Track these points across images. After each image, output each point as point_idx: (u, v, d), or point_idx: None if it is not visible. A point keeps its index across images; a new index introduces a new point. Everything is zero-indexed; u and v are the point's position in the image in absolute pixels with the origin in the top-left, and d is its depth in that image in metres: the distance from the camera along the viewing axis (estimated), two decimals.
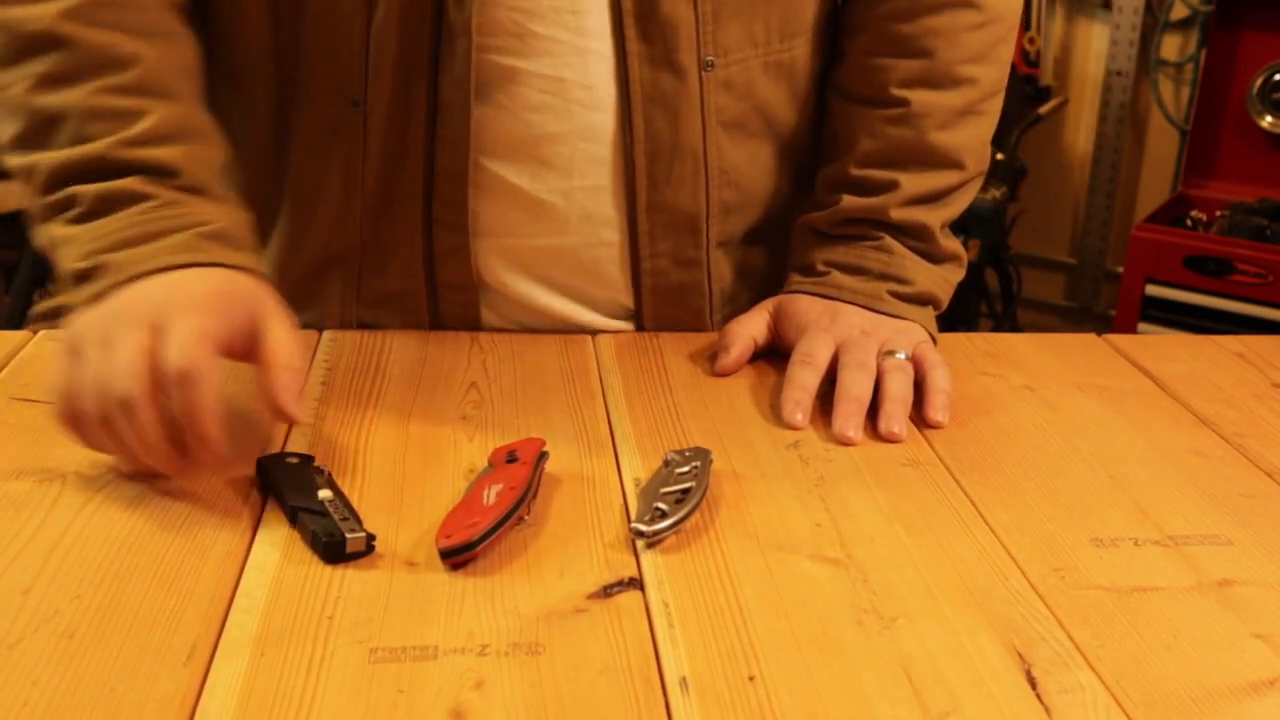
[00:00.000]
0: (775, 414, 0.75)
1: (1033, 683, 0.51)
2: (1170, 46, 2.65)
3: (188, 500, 0.63)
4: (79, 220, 0.69)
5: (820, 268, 0.85)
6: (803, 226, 0.88)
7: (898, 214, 0.84)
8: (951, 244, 0.86)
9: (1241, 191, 2.45)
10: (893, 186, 0.84)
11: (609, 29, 0.78)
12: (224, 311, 0.64)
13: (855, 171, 0.85)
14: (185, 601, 0.54)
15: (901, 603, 0.56)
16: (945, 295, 0.86)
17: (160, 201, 0.69)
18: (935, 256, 0.85)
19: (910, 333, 0.81)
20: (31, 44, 0.70)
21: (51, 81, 0.70)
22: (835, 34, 0.89)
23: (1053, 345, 0.88)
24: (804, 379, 0.76)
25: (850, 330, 0.79)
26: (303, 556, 0.58)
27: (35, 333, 0.84)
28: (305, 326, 0.87)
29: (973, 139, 0.86)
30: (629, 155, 0.81)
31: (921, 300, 0.84)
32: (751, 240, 0.90)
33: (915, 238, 0.85)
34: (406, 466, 0.67)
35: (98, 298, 0.65)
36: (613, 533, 0.61)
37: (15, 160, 0.72)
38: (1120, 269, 2.45)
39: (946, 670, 0.51)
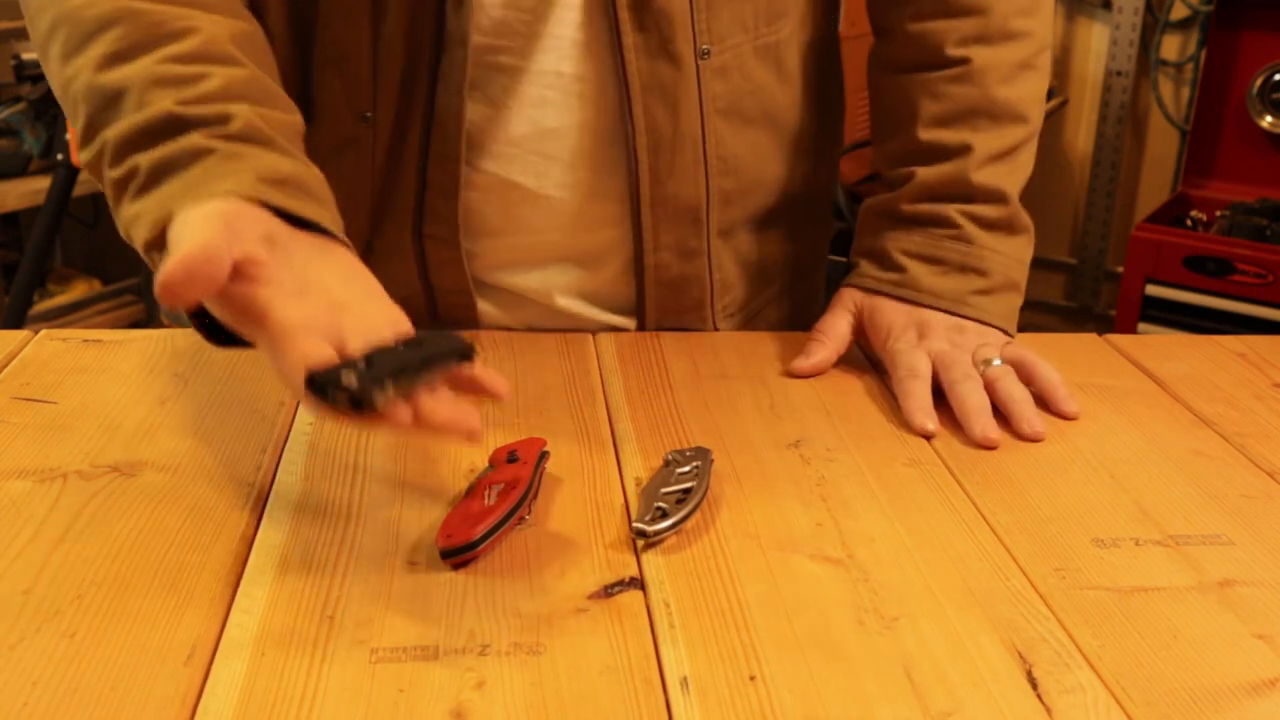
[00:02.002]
0: (776, 414, 0.75)
1: (1033, 683, 0.51)
2: (1170, 46, 2.66)
3: (189, 500, 0.63)
4: (141, 191, 0.64)
5: (897, 258, 0.84)
6: (872, 210, 0.87)
7: (978, 176, 0.83)
8: (1026, 216, 0.86)
9: (1241, 191, 2.45)
10: (965, 149, 0.83)
11: (605, 21, 0.78)
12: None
13: (924, 137, 0.84)
14: (186, 601, 0.54)
15: (902, 602, 0.56)
16: (1023, 278, 0.86)
17: (222, 155, 0.63)
18: (1015, 226, 0.85)
19: (994, 336, 0.82)
20: (92, 28, 0.68)
21: (113, 60, 0.67)
22: (828, 16, 0.89)
23: (1053, 345, 0.88)
24: (919, 390, 0.77)
25: (941, 343, 0.80)
26: (304, 557, 0.58)
27: (35, 332, 0.84)
28: None
29: (1032, 92, 0.86)
30: (630, 149, 0.81)
31: (1004, 290, 0.84)
32: (748, 228, 0.90)
33: (995, 202, 0.84)
34: (407, 466, 0.67)
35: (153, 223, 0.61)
36: (613, 532, 0.61)
37: (84, 155, 0.68)
38: (1120, 269, 2.45)
39: (947, 670, 0.51)
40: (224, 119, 0.65)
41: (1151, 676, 0.52)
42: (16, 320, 2.44)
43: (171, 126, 0.65)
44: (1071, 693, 0.50)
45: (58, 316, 2.77)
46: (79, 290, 2.91)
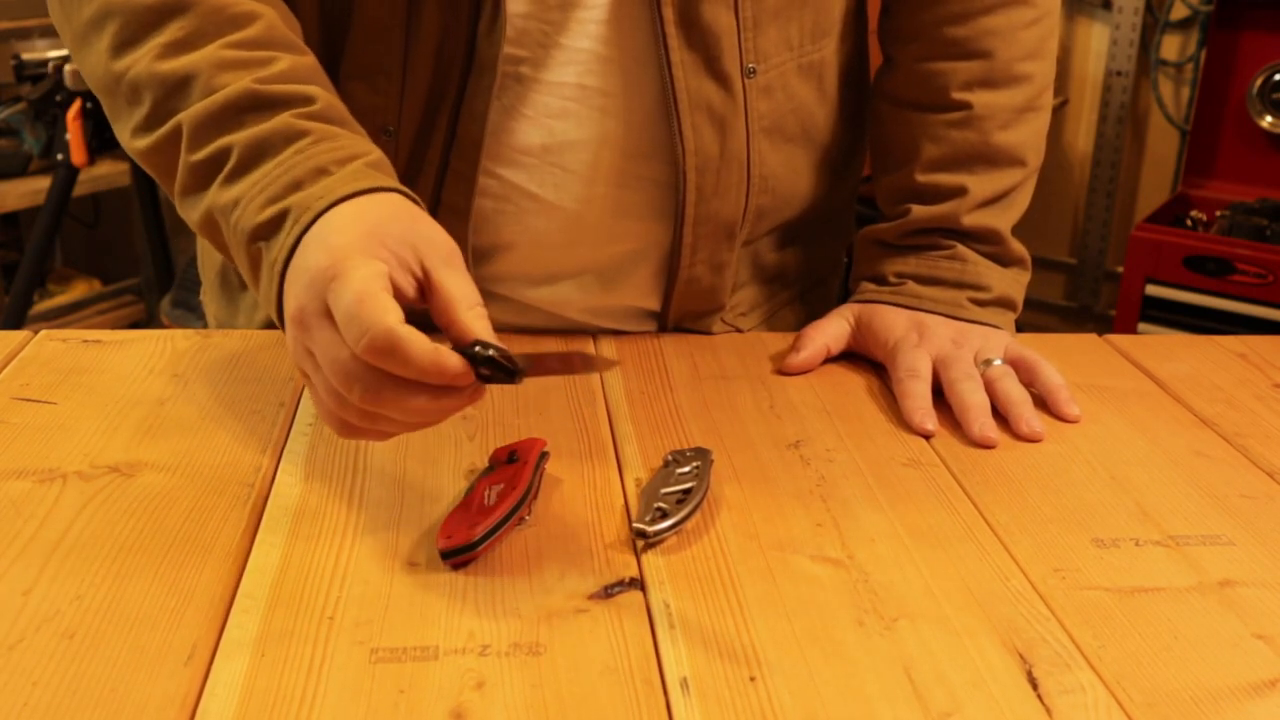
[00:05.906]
0: (776, 414, 0.75)
1: (1034, 683, 0.51)
2: (1170, 46, 2.65)
3: (189, 500, 0.63)
4: (235, 176, 0.64)
5: (893, 279, 0.85)
6: (868, 239, 0.89)
7: (969, 220, 0.84)
8: (1019, 247, 0.87)
9: (1241, 191, 2.45)
10: (961, 192, 0.84)
11: (647, 37, 0.77)
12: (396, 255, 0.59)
13: (921, 178, 0.86)
14: (186, 602, 0.54)
15: (902, 603, 0.56)
16: (1020, 298, 0.87)
17: (315, 136, 0.64)
18: (1005, 259, 0.86)
19: (996, 337, 0.82)
20: (149, 19, 0.67)
21: (175, 48, 0.67)
22: (861, 31, 0.89)
23: (1053, 345, 0.88)
24: (918, 390, 0.77)
25: (942, 343, 0.80)
26: (303, 556, 0.58)
27: (35, 332, 0.84)
28: None
29: (1032, 135, 0.87)
30: (680, 169, 0.80)
31: (1000, 304, 0.85)
32: (770, 238, 0.90)
33: (986, 242, 0.85)
34: (407, 466, 0.67)
35: (289, 248, 0.60)
36: (614, 533, 0.61)
37: (144, 142, 0.68)
38: (1120, 269, 2.45)
39: (947, 671, 0.51)
40: (308, 99, 0.66)
41: (1152, 677, 0.52)
42: (16, 320, 2.44)
43: (256, 104, 0.65)
44: (1072, 693, 0.50)
45: (58, 316, 2.77)
46: (79, 290, 2.91)
